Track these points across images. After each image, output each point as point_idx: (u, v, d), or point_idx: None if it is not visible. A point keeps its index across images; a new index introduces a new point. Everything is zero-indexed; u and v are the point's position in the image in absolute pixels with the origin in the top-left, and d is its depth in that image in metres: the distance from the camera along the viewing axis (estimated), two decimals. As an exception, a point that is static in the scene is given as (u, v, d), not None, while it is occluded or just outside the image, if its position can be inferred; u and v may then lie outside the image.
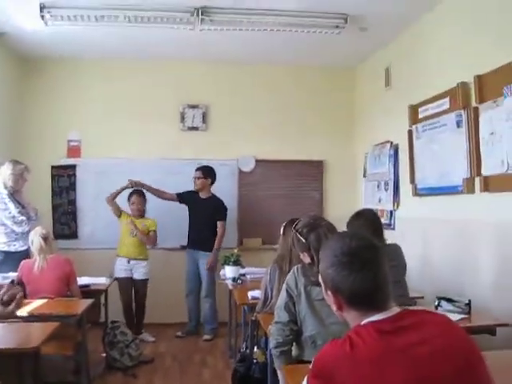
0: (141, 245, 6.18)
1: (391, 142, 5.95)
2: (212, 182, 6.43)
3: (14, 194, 5.43)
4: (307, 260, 2.85)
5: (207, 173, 6.38)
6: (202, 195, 6.41)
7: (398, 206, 5.83)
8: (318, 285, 2.26)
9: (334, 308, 1.74)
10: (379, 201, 6.21)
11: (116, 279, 5.91)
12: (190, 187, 6.46)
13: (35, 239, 4.64)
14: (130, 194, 6.25)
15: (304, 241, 2.85)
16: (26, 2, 4.99)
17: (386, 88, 6.13)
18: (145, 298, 6.22)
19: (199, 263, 6.36)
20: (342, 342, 1.63)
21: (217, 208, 6.36)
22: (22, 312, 3.86)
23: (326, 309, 2.60)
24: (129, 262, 6.11)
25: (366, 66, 6.87)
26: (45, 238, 4.64)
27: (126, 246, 6.14)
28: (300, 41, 5.99)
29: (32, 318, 3.80)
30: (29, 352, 2.97)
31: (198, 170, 6.41)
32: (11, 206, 5.32)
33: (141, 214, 6.23)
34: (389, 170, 5.95)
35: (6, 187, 5.35)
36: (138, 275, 6.15)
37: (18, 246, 5.36)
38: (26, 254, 5.29)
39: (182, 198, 6.46)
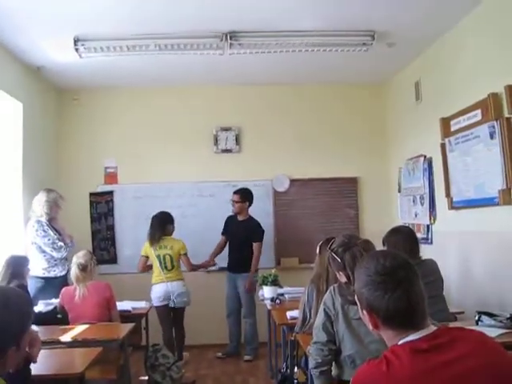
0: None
1: (424, 156, 5.92)
2: (249, 205, 6.49)
3: (51, 222, 5.58)
4: (343, 279, 2.85)
5: (245, 196, 6.44)
6: (240, 218, 6.48)
7: (434, 220, 5.78)
8: (355, 304, 2.27)
9: (371, 327, 1.75)
10: (415, 215, 6.17)
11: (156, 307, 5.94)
12: (224, 209, 6.54)
13: (73, 269, 4.72)
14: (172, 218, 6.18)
15: (339, 260, 2.86)
16: (61, 37, 5.16)
17: (417, 102, 6.12)
18: (182, 324, 6.09)
19: (238, 284, 6.41)
20: (379, 361, 1.64)
21: (253, 229, 6.41)
22: (66, 338, 3.96)
23: (363, 328, 2.60)
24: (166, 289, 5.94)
25: (396, 81, 6.87)
26: (82, 268, 4.71)
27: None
28: (328, 59, 6.02)
29: (75, 343, 3.88)
30: (74, 377, 3.03)
31: (235, 193, 6.47)
32: (50, 232, 5.46)
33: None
34: (423, 184, 5.91)
35: (42, 215, 5.50)
36: (176, 303, 5.92)
37: (57, 272, 5.51)
38: (65, 279, 5.46)
39: (225, 232, 6.57)
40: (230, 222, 6.55)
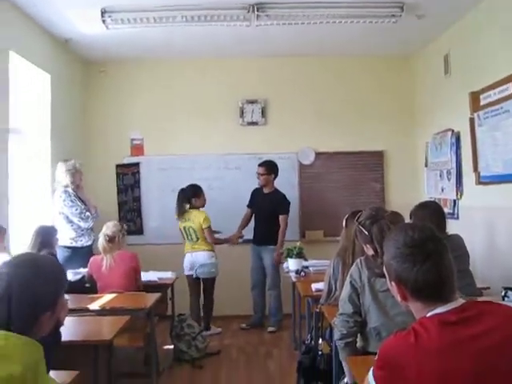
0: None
1: (452, 130, 5.84)
2: (275, 177, 6.49)
3: (77, 191, 5.67)
4: (370, 252, 2.85)
5: (270, 168, 6.45)
6: (266, 190, 6.50)
7: (461, 195, 5.72)
8: (382, 276, 2.27)
9: (399, 299, 1.76)
10: (442, 190, 6.12)
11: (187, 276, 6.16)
12: (250, 182, 6.55)
13: (100, 239, 4.81)
14: (200, 190, 6.25)
15: (367, 233, 2.85)
16: (88, 9, 5.17)
17: (446, 76, 6.02)
18: (211, 294, 6.26)
19: (263, 257, 6.46)
20: (407, 333, 1.65)
21: (279, 202, 6.42)
22: (94, 306, 4.04)
23: (390, 300, 2.61)
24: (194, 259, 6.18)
25: (424, 54, 6.75)
26: (109, 240, 4.78)
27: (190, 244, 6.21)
28: (355, 31, 5.94)
29: (104, 311, 3.96)
30: (103, 344, 3.10)
31: (261, 165, 6.47)
32: (77, 202, 5.54)
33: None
34: (451, 158, 5.85)
35: (67, 185, 5.58)
36: (203, 274, 6.16)
37: (83, 242, 5.60)
38: (91, 248, 5.57)
39: (251, 205, 6.60)
40: (256, 195, 6.56)
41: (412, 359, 1.60)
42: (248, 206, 6.62)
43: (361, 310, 2.83)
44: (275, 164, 6.49)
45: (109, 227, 4.86)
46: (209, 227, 6.05)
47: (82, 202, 5.64)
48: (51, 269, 1.75)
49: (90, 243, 5.64)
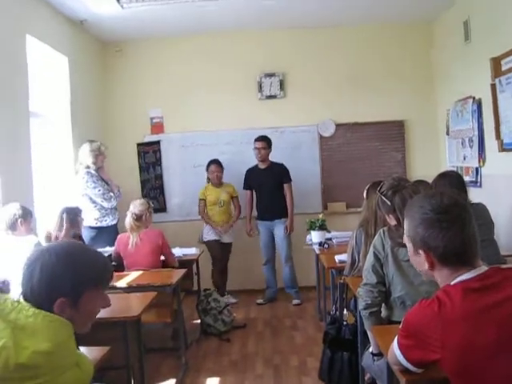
0: (227, 212, 6.55)
1: (473, 97, 5.76)
2: (270, 151, 6.54)
3: (99, 172, 5.73)
4: (393, 222, 2.86)
5: (269, 142, 6.47)
6: (262, 166, 6.50)
7: (483, 163, 5.66)
8: (405, 246, 2.29)
9: (426, 266, 1.76)
10: (464, 158, 6.06)
11: (204, 242, 6.34)
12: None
13: (127, 218, 4.86)
14: (209, 164, 6.50)
15: (389, 203, 2.85)
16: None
17: (466, 42, 5.91)
18: (228, 260, 6.59)
19: (276, 231, 6.48)
20: (431, 301, 1.67)
21: (281, 172, 6.45)
22: (122, 283, 4.12)
23: (413, 269, 2.61)
24: (221, 227, 6.48)
25: (444, 20, 6.63)
26: (136, 218, 4.84)
27: (217, 215, 6.48)
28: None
29: (131, 288, 4.04)
30: (131, 320, 3.16)
31: (260, 140, 6.44)
32: (100, 183, 5.60)
33: (220, 181, 6.52)
34: (472, 126, 5.77)
35: (89, 166, 5.63)
36: (226, 239, 6.54)
37: (108, 221, 5.68)
38: (116, 227, 5.67)
39: (249, 186, 6.61)
40: (253, 174, 6.54)
41: (436, 328, 1.62)
42: (247, 188, 6.60)
43: (385, 280, 2.85)
44: (269, 138, 6.51)
45: (136, 206, 4.91)
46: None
47: (105, 182, 5.70)
48: (80, 259, 1.77)
49: (114, 222, 5.73)
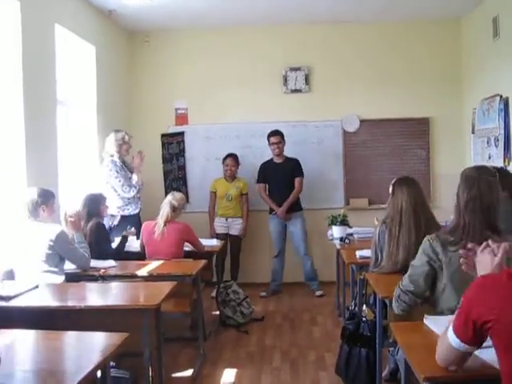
0: (236, 206, 6.66)
1: (501, 96, 5.68)
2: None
3: (124, 161, 5.78)
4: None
5: (283, 136, 6.52)
6: (278, 160, 6.54)
7: (509, 162, 5.58)
8: (456, 244, 2.35)
9: None
10: (489, 157, 5.98)
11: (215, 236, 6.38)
12: (294, 149, 6.54)
13: (164, 206, 4.89)
14: (225, 157, 6.60)
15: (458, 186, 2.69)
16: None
17: (495, 39, 5.83)
18: (239, 252, 6.69)
19: (292, 224, 6.52)
20: (500, 273, 1.74)
21: (295, 166, 6.50)
22: (143, 272, 4.15)
23: (468, 277, 2.25)
24: (226, 220, 6.63)
25: (473, 17, 6.55)
26: (174, 209, 4.88)
27: (224, 208, 6.62)
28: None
29: (151, 277, 4.06)
30: (151, 309, 3.19)
31: (275, 134, 6.49)
32: (122, 173, 5.63)
33: (233, 174, 6.62)
34: (499, 124, 5.69)
35: (113, 155, 5.68)
36: (233, 231, 6.63)
37: (131, 210, 5.72)
38: (139, 216, 5.72)
39: (264, 180, 6.63)
40: (269, 168, 6.57)
41: (499, 292, 1.65)
42: (261, 182, 6.62)
43: (433, 289, 2.71)
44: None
45: (176, 198, 4.95)
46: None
47: (129, 171, 5.74)
48: None
49: (137, 211, 5.77)
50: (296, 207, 6.50)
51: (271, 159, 6.59)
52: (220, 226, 6.62)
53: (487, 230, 2.53)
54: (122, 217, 5.66)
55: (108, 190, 5.60)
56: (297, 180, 6.46)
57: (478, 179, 2.62)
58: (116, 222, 5.58)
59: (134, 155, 5.81)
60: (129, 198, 5.69)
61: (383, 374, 3.73)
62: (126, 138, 5.74)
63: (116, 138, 5.69)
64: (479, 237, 1.97)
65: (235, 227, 6.65)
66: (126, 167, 5.75)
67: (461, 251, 2.13)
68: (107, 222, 5.43)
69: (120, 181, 5.61)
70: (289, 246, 6.69)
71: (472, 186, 2.60)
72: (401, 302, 2.79)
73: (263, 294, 6.58)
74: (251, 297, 5.80)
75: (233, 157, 6.60)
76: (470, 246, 2.09)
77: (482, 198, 2.58)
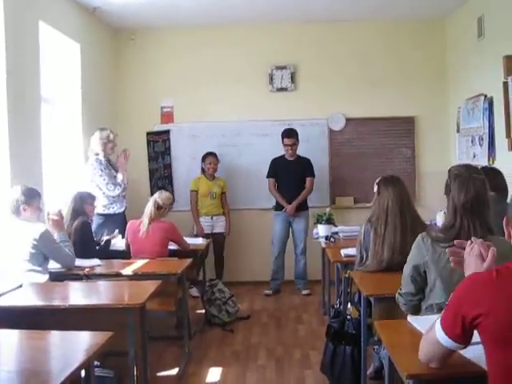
0: (219, 204, 6.69)
1: (485, 95, 5.72)
2: None
3: (109, 160, 5.77)
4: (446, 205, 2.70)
5: (297, 136, 6.48)
6: (289, 157, 6.52)
7: (493, 161, 5.62)
8: (444, 241, 2.39)
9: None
10: (474, 156, 6.02)
11: (196, 235, 6.31)
12: (280, 148, 6.52)
13: (149, 204, 4.86)
14: (206, 156, 6.59)
15: (449, 184, 2.68)
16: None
17: (479, 39, 5.86)
18: (223, 250, 6.68)
19: (296, 223, 6.49)
20: (489, 271, 1.72)
21: (307, 166, 6.50)
22: (127, 271, 4.14)
23: (457, 275, 2.33)
24: (212, 218, 6.62)
25: (457, 17, 6.58)
26: (158, 208, 4.86)
27: (208, 206, 6.61)
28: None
29: (136, 276, 4.05)
30: (135, 307, 3.17)
31: (290, 136, 6.42)
32: (106, 172, 5.60)
33: (214, 174, 6.65)
34: (483, 124, 5.74)
35: (97, 153, 5.65)
36: (218, 229, 6.66)
37: (116, 209, 5.70)
38: (124, 215, 5.71)
39: (274, 175, 6.58)
40: (279, 164, 6.54)
41: (488, 289, 1.65)
42: (270, 176, 6.58)
43: (424, 287, 2.71)
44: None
45: (162, 197, 4.93)
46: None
47: (114, 170, 5.71)
48: None
49: (122, 210, 5.75)
50: (303, 206, 6.48)
51: (283, 155, 6.55)
52: (206, 225, 6.59)
53: (483, 230, 2.55)
54: (107, 215, 5.64)
55: (93, 188, 5.57)
56: (308, 180, 6.47)
57: (472, 179, 2.62)
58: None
59: (119, 154, 5.79)
60: (114, 197, 5.66)
61: (368, 372, 3.75)
62: (111, 136, 5.72)
63: (101, 136, 5.66)
64: (476, 237, 1.97)
65: (219, 225, 6.66)
66: (110, 166, 5.73)
67: (447, 250, 2.13)
68: (96, 221, 5.43)
69: (104, 179, 5.58)
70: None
71: (468, 186, 2.59)
72: (401, 304, 2.80)
73: (268, 292, 6.55)
74: (237, 295, 5.80)
75: (214, 155, 6.61)
76: (456, 242, 2.09)
77: (478, 198, 2.59)
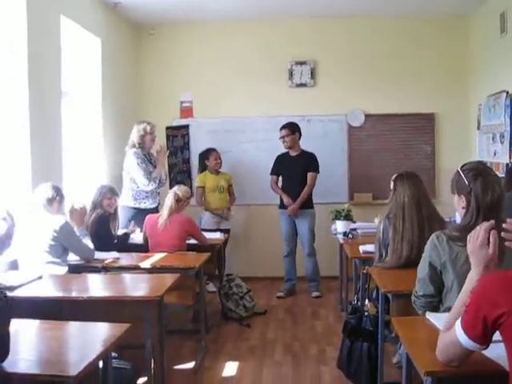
0: (226, 197, 6.65)
1: (507, 92, 5.65)
2: (300, 137, 6.35)
3: (149, 154, 5.79)
4: (461, 204, 2.59)
5: (294, 128, 6.29)
6: (292, 153, 6.34)
7: (515, 159, 5.58)
8: (461, 240, 2.33)
9: None
10: (494, 154, 5.96)
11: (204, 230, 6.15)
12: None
13: (170, 196, 4.89)
14: (209, 152, 6.57)
15: (466, 183, 2.55)
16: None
17: (502, 35, 5.79)
18: (226, 245, 6.42)
19: (300, 222, 6.31)
20: (508, 270, 1.71)
21: (310, 161, 6.29)
22: (146, 264, 4.16)
23: None
24: (221, 213, 6.55)
25: (480, 13, 6.51)
26: (178, 200, 4.88)
27: (217, 200, 6.55)
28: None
29: (154, 269, 4.08)
30: (154, 300, 3.19)
31: (283, 128, 6.31)
32: (143, 166, 5.59)
33: (219, 169, 6.64)
34: (504, 121, 5.67)
35: (135, 146, 5.67)
36: (224, 225, 6.56)
37: (147, 204, 5.69)
38: (156, 211, 5.54)
39: (277, 172, 6.46)
40: (283, 160, 6.39)
41: (509, 288, 1.63)
42: (274, 174, 6.45)
43: (442, 288, 2.65)
44: (297, 124, 6.37)
45: (181, 189, 4.98)
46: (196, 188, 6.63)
47: (152, 164, 5.72)
48: None
49: (154, 206, 5.72)
50: (307, 204, 6.27)
51: (287, 152, 6.40)
52: (212, 220, 6.48)
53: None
54: (139, 210, 5.62)
55: (127, 180, 5.61)
56: (310, 175, 6.22)
57: (495, 178, 2.58)
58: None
59: (157, 150, 5.79)
60: (147, 192, 5.66)
61: (394, 360, 3.75)
62: (148, 128, 5.72)
63: (138, 129, 5.69)
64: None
65: (226, 221, 6.62)
66: (148, 160, 5.72)
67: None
68: (126, 214, 5.51)
69: (140, 173, 5.57)
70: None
71: (493, 186, 2.51)
72: (419, 307, 2.72)
73: (280, 294, 6.35)
74: (254, 290, 5.80)
75: (216, 150, 6.58)
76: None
77: (502, 197, 2.53)
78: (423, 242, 2.78)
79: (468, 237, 2.03)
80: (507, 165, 5.67)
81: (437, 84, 6.94)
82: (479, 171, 2.57)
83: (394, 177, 3.82)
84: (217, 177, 6.58)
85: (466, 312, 1.76)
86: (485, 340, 1.72)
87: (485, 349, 1.77)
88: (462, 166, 2.65)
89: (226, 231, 6.42)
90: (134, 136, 5.68)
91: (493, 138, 6.01)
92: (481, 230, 1.95)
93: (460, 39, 6.93)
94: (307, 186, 6.23)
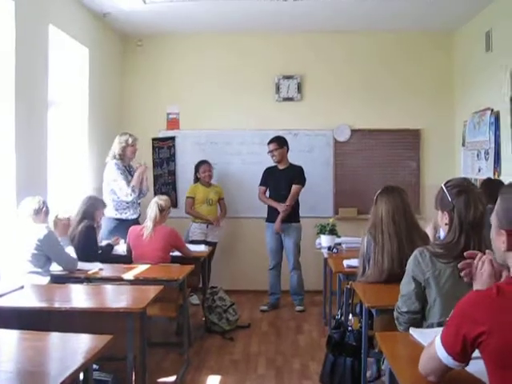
0: (215, 210, 6.64)
1: (492, 109, 5.72)
2: (287, 150, 6.38)
3: (129, 165, 5.76)
4: (444, 221, 2.62)
5: (282, 142, 6.33)
6: (281, 166, 6.36)
7: (499, 176, 5.62)
8: (445, 256, 2.37)
9: (504, 248, 1.73)
10: (479, 170, 6.02)
11: (191, 242, 6.16)
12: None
13: (153, 207, 4.87)
14: (200, 164, 6.57)
15: (450, 199, 2.59)
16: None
17: (487, 52, 5.87)
18: (211, 258, 6.45)
19: (286, 236, 6.31)
20: (489, 288, 1.69)
21: (296, 174, 6.29)
22: (129, 276, 4.13)
23: (459, 290, 2.28)
24: (207, 226, 6.53)
25: (465, 30, 6.60)
26: (161, 210, 4.86)
27: (204, 213, 6.53)
28: (396, 6, 5.86)
29: (138, 281, 4.05)
30: (136, 312, 3.17)
31: (271, 142, 6.34)
32: (122, 177, 5.55)
33: (210, 181, 6.63)
34: (489, 138, 5.73)
35: (115, 156, 5.64)
36: (212, 238, 6.55)
37: (128, 215, 5.65)
38: (137, 222, 5.58)
39: (265, 184, 6.45)
40: (271, 173, 6.40)
41: (489, 308, 1.62)
42: (262, 185, 6.45)
43: (425, 304, 2.67)
44: (284, 138, 6.40)
45: (161, 198, 4.98)
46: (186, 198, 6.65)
47: (131, 175, 5.69)
48: None
49: (135, 217, 5.69)
50: (293, 218, 6.28)
51: (276, 165, 6.41)
52: (199, 232, 6.48)
53: (487, 245, 2.49)
54: (120, 220, 5.60)
55: (108, 191, 5.58)
56: (294, 187, 6.22)
57: (477, 195, 2.60)
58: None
59: (137, 165, 5.76)
60: (127, 202, 5.64)
61: (368, 375, 3.73)
62: (130, 140, 5.70)
63: (120, 140, 5.67)
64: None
65: (214, 234, 6.59)
66: (128, 171, 5.70)
67: (459, 265, 2.10)
68: (108, 225, 5.47)
69: (118, 184, 5.55)
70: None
71: (476, 203, 2.55)
72: (402, 323, 2.74)
73: (263, 307, 6.33)
74: (237, 304, 5.77)
75: (207, 163, 6.58)
76: (467, 253, 2.07)
77: (484, 214, 2.54)
78: (404, 254, 2.79)
79: (476, 260, 2.02)
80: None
81: (423, 100, 7.01)
82: (463, 188, 2.59)
83: (377, 192, 3.84)
84: (207, 189, 6.57)
85: (446, 327, 1.75)
86: (464, 358, 1.70)
87: (464, 367, 1.76)
88: (446, 183, 2.67)
89: (213, 244, 6.41)
90: (116, 147, 5.66)
91: (477, 155, 6.07)
92: (487, 257, 1.94)
93: (446, 56, 7.02)
94: (289, 197, 6.21)
